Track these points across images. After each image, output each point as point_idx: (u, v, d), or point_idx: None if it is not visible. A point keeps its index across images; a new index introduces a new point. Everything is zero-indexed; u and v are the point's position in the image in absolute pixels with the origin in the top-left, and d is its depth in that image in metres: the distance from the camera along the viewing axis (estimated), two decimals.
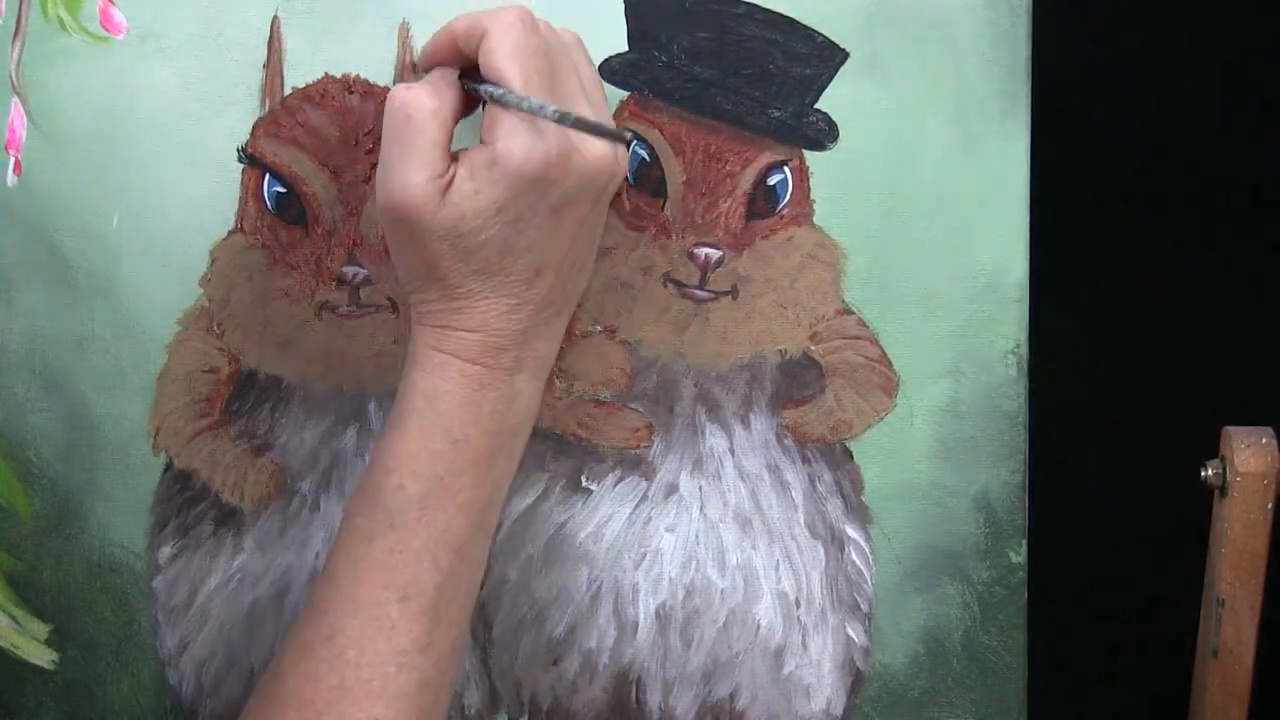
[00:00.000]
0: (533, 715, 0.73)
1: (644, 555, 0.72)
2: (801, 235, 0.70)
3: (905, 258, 0.70)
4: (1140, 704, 0.92)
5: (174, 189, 0.70)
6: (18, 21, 0.69)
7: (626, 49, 0.69)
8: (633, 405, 0.72)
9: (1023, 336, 0.71)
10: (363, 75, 0.69)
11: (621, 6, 0.69)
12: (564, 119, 0.58)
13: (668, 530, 0.72)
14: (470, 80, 0.62)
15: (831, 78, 0.69)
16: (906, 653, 0.73)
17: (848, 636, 0.73)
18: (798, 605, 0.72)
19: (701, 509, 0.72)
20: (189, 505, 0.72)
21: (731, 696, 0.73)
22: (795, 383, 0.72)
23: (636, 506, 0.72)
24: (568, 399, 0.71)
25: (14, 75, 0.69)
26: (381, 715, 0.60)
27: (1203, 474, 0.72)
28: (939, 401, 0.71)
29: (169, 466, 0.71)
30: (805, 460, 0.72)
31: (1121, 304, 0.93)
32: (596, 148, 0.61)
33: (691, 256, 0.70)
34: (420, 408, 0.61)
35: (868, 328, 0.71)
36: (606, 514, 0.72)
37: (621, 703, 0.73)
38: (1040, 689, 0.74)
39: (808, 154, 0.70)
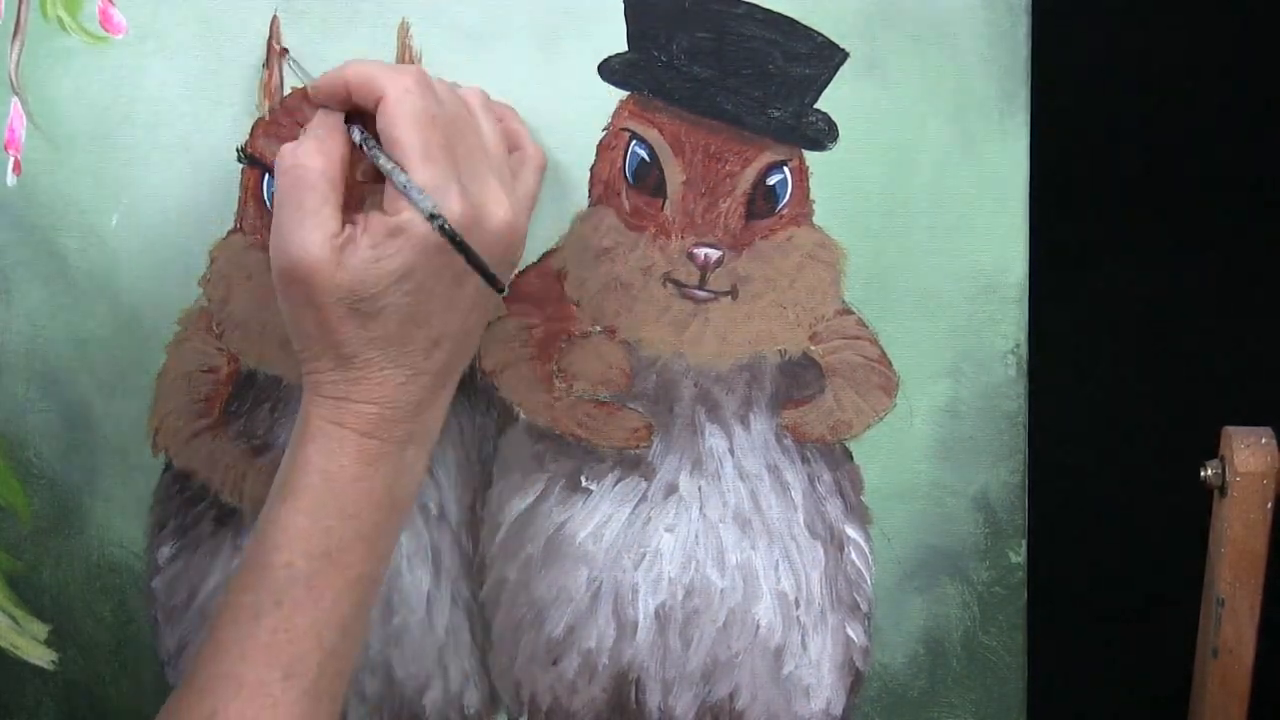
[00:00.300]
0: (532, 715, 0.73)
1: (643, 555, 0.72)
2: (801, 235, 0.70)
3: (905, 258, 0.70)
4: (1140, 704, 0.91)
5: (173, 189, 0.70)
6: (17, 21, 0.69)
7: (626, 49, 0.69)
8: (632, 405, 0.72)
9: (1022, 336, 0.71)
10: None
11: (621, 6, 0.69)
12: (434, 219, 0.58)
13: (667, 530, 0.72)
14: (365, 138, 0.61)
15: (831, 78, 0.69)
16: (906, 653, 0.73)
17: (847, 636, 0.73)
18: (797, 605, 0.72)
19: (701, 509, 0.72)
20: (188, 505, 0.72)
21: (731, 696, 0.73)
22: (795, 383, 0.72)
23: (636, 506, 0.72)
24: (567, 399, 0.71)
25: (13, 75, 0.69)
26: None
27: (1202, 474, 0.71)
28: (939, 401, 0.71)
29: (168, 466, 0.71)
30: (805, 460, 0.72)
31: (1121, 304, 0.93)
32: (498, 217, 0.60)
33: (691, 256, 0.70)
34: (314, 483, 0.60)
35: (867, 328, 0.71)
36: (606, 514, 0.72)
37: (621, 703, 0.73)
38: (1040, 689, 0.74)
39: (807, 154, 0.70)
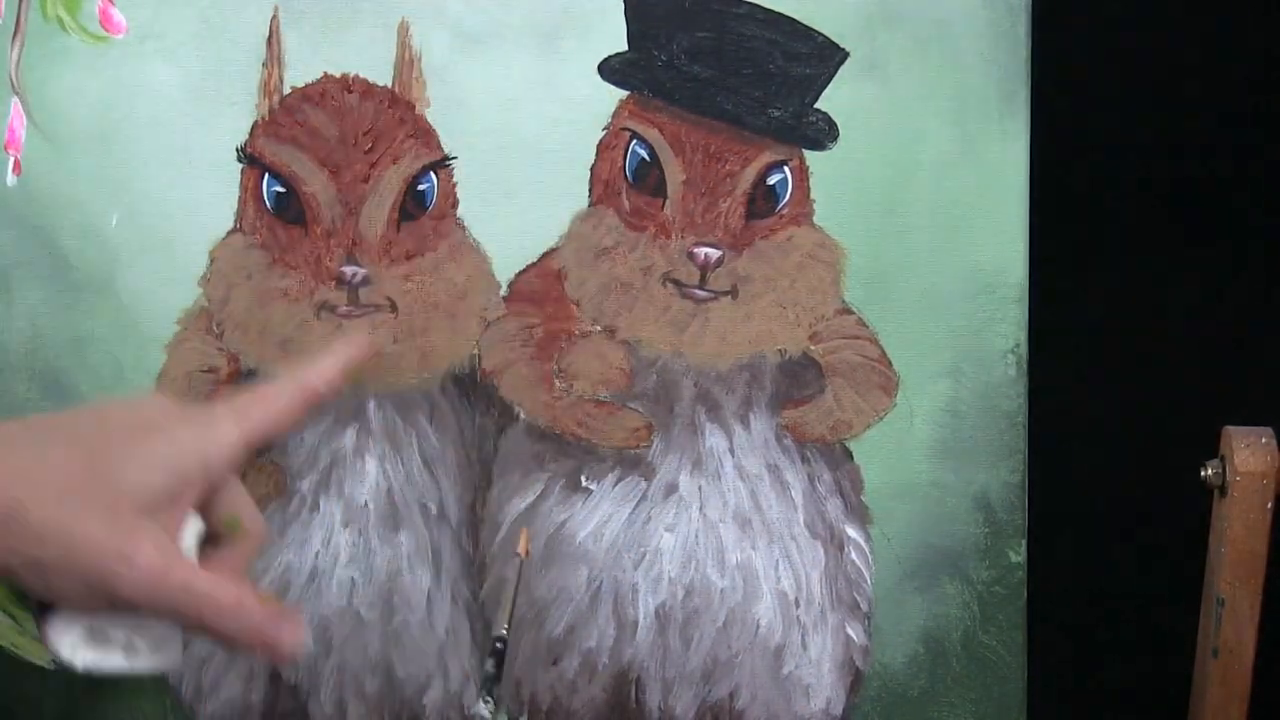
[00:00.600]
0: (532, 715, 0.73)
1: (643, 555, 0.72)
2: (801, 235, 0.70)
3: (905, 257, 0.70)
4: (1140, 704, 0.91)
5: (173, 189, 0.70)
6: (17, 21, 0.69)
7: (626, 49, 0.69)
8: (632, 405, 0.72)
9: (1022, 336, 0.71)
10: (361, 75, 0.69)
11: (621, 6, 0.69)
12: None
13: (667, 530, 0.72)
14: None
15: (831, 77, 0.69)
16: (906, 652, 0.73)
17: (847, 636, 0.73)
18: (797, 605, 0.72)
19: (701, 509, 0.72)
20: None
21: (731, 696, 0.73)
22: (795, 382, 0.72)
23: (636, 506, 0.72)
24: (567, 399, 0.71)
25: (13, 75, 0.69)
26: None
27: (1202, 474, 0.71)
28: (939, 401, 0.71)
29: None
30: (805, 460, 0.72)
31: (1121, 304, 0.93)
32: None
33: (691, 256, 0.70)
34: None
35: (867, 327, 0.71)
36: (606, 514, 0.72)
37: (621, 702, 0.73)
38: (1039, 688, 0.74)
39: (807, 154, 0.70)
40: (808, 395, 0.72)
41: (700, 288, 0.71)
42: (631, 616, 0.72)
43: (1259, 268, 0.92)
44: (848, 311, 0.71)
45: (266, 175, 0.69)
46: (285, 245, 0.70)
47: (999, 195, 0.70)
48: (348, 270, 0.70)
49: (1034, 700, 0.73)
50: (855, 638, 0.73)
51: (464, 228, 0.70)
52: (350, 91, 0.69)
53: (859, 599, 0.73)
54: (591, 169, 0.70)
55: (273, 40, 0.69)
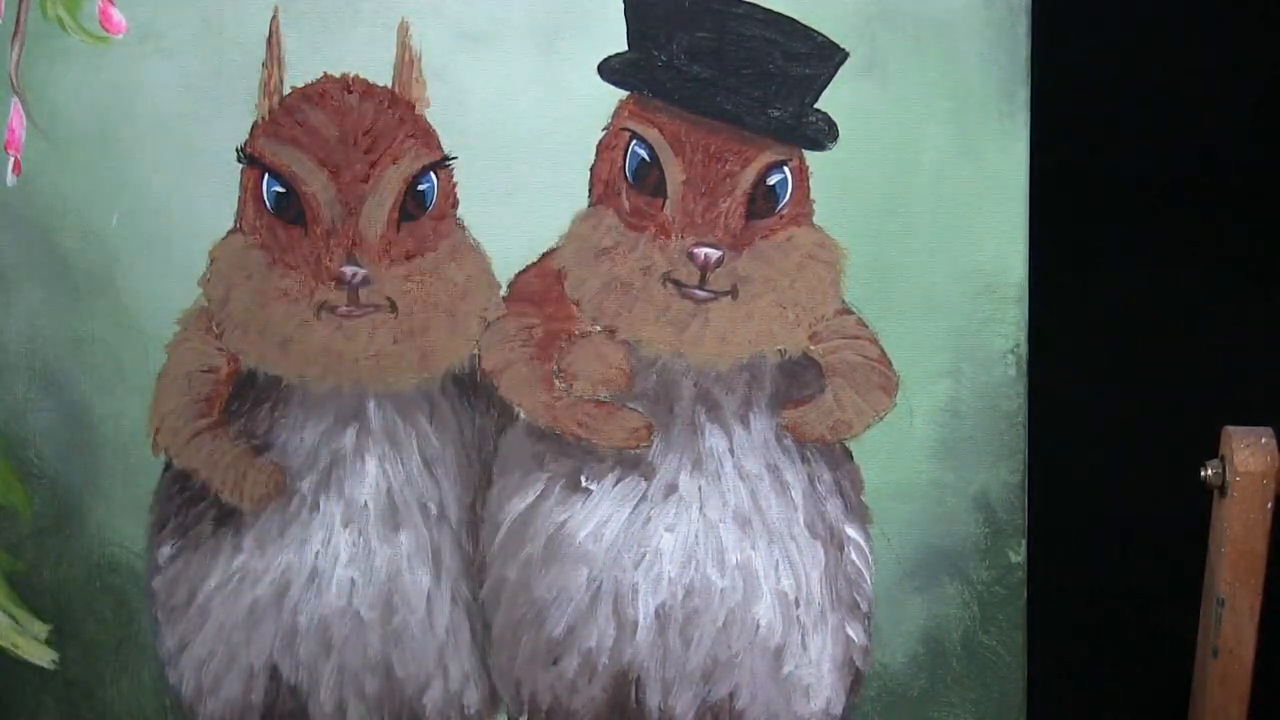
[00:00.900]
0: (532, 715, 0.73)
1: (643, 555, 0.72)
2: (801, 235, 0.70)
3: (905, 257, 0.70)
4: (1140, 704, 0.92)
5: (173, 189, 0.70)
6: (17, 21, 0.69)
7: (626, 49, 0.69)
8: (632, 405, 0.72)
9: (1022, 336, 0.71)
10: (361, 75, 0.69)
11: (621, 6, 0.69)
12: None
13: (667, 530, 0.72)
14: None
15: (831, 77, 0.69)
16: (906, 652, 0.73)
17: (847, 636, 0.73)
18: (797, 605, 0.72)
19: (701, 509, 0.72)
20: (188, 505, 0.72)
21: (731, 696, 0.73)
22: (795, 382, 0.72)
23: (636, 506, 0.72)
24: (567, 399, 0.71)
25: (13, 75, 0.69)
26: None
27: (1202, 474, 0.71)
28: (938, 401, 0.71)
29: (168, 466, 0.71)
30: (805, 460, 0.72)
31: (1121, 304, 0.93)
32: None
33: (691, 256, 0.70)
34: None
35: (867, 327, 0.71)
36: (606, 514, 0.72)
37: (621, 702, 0.73)
38: (1039, 688, 0.74)
39: (807, 154, 0.70)
40: (808, 395, 0.72)
41: (700, 288, 0.71)
42: (631, 617, 0.72)
43: (1259, 268, 0.92)
44: (847, 311, 0.71)
45: (266, 175, 0.69)
46: (285, 245, 0.70)
47: (999, 195, 0.70)
48: (348, 270, 0.70)
49: (1034, 700, 0.73)
50: (855, 638, 0.73)
51: (464, 228, 0.70)
52: (350, 91, 0.69)
53: (859, 599, 0.73)
54: (591, 169, 0.70)
55: (273, 40, 0.69)
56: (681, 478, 0.72)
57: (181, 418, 0.71)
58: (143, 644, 0.72)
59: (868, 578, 0.73)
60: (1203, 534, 0.73)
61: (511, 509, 0.72)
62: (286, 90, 0.69)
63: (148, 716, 0.73)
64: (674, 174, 0.70)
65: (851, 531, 0.72)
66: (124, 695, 0.73)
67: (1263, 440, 0.71)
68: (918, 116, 0.70)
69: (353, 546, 0.72)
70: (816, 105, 0.69)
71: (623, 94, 0.69)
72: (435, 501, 0.72)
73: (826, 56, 0.69)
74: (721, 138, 0.70)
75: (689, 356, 0.71)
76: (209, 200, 0.70)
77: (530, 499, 0.72)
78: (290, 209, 0.70)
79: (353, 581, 0.72)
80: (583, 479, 0.72)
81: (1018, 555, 0.72)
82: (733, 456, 0.72)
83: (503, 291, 0.71)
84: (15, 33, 0.69)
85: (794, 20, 0.69)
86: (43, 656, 0.73)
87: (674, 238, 0.70)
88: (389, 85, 0.69)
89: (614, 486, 0.72)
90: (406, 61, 0.69)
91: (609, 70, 0.69)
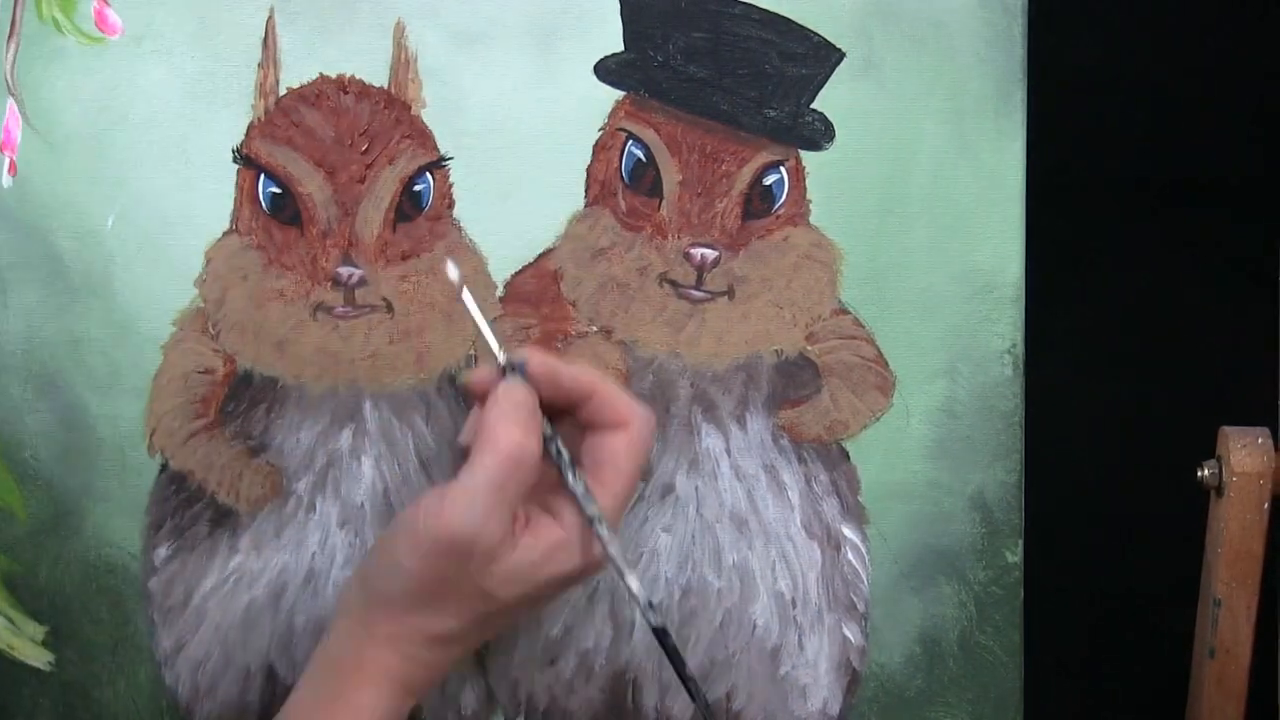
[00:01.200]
0: (529, 715, 0.73)
1: (640, 555, 0.72)
2: (797, 235, 0.70)
3: (901, 257, 0.70)
4: (1137, 704, 0.92)
5: (169, 189, 0.70)
6: (12, 22, 0.69)
7: (623, 49, 0.69)
8: None
9: (1019, 336, 0.71)
10: (357, 75, 0.69)
11: (618, 7, 0.69)
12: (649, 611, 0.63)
13: (664, 530, 0.72)
14: (559, 451, 0.62)
15: (827, 78, 0.69)
16: (903, 652, 0.73)
17: (844, 636, 0.73)
18: (794, 605, 0.72)
19: (698, 509, 0.72)
20: (185, 506, 0.72)
21: (728, 697, 0.73)
22: (791, 383, 0.72)
23: (633, 507, 0.72)
24: None
25: (9, 76, 0.69)
26: None
27: (1199, 474, 0.72)
28: (935, 401, 0.71)
29: (165, 467, 0.71)
30: (801, 460, 0.72)
31: (1118, 303, 0.93)
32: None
33: (687, 257, 0.70)
34: None
35: (864, 327, 0.71)
36: None
37: (618, 703, 0.73)
38: (1036, 688, 0.74)
39: (804, 154, 0.70)
40: (804, 395, 0.72)
41: (697, 288, 0.71)
42: (628, 617, 0.72)
43: (1256, 268, 0.92)
44: (844, 311, 0.71)
45: (262, 176, 0.69)
46: (281, 246, 0.70)
47: (995, 195, 0.70)
48: (344, 271, 0.70)
49: (1030, 700, 0.73)
50: (852, 638, 0.73)
51: (460, 228, 0.70)
52: (346, 92, 0.69)
53: (856, 599, 0.73)
54: (588, 169, 0.70)
55: (268, 41, 0.69)
56: (678, 478, 0.72)
57: (178, 418, 0.71)
58: (139, 645, 0.72)
59: (864, 578, 0.73)
60: (1200, 534, 0.73)
61: None
62: (282, 91, 0.69)
63: (144, 718, 0.73)
64: (670, 174, 0.70)
65: (848, 532, 0.72)
66: (120, 696, 0.73)
67: (1259, 441, 0.71)
68: (914, 117, 0.70)
69: (349, 547, 0.72)
70: (813, 105, 0.69)
71: (619, 94, 0.69)
72: None
73: (823, 57, 0.69)
74: (718, 138, 0.70)
75: (685, 357, 0.71)
76: (205, 201, 0.70)
77: None
78: (286, 210, 0.70)
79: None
80: None
81: (1014, 555, 0.72)
82: (729, 457, 0.72)
83: (499, 292, 0.71)
84: (10, 33, 0.69)
85: (790, 20, 0.69)
86: (39, 658, 0.73)
87: (670, 238, 0.70)
88: (385, 86, 0.69)
89: None
90: (402, 62, 0.69)
91: (605, 71, 0.69)
